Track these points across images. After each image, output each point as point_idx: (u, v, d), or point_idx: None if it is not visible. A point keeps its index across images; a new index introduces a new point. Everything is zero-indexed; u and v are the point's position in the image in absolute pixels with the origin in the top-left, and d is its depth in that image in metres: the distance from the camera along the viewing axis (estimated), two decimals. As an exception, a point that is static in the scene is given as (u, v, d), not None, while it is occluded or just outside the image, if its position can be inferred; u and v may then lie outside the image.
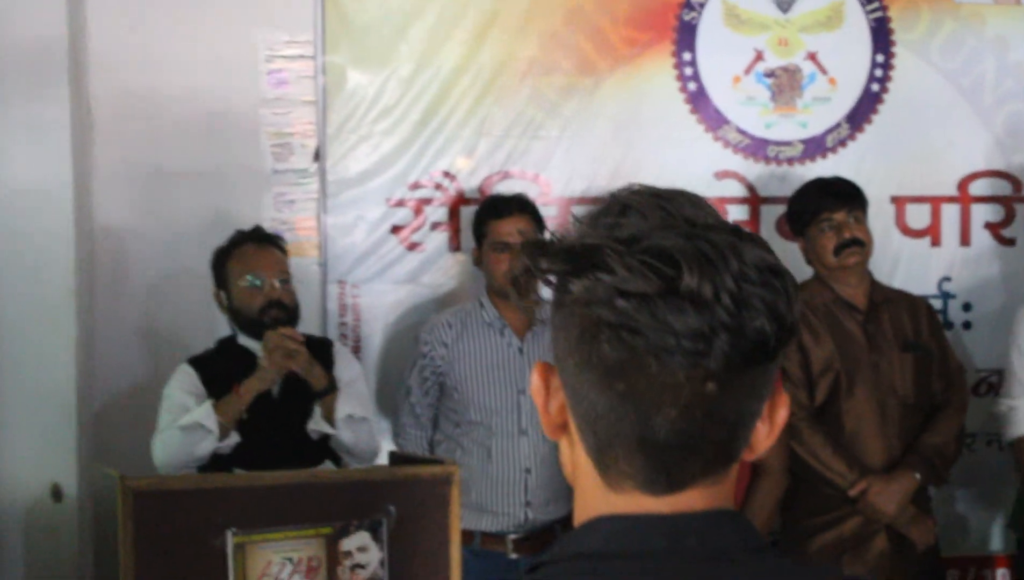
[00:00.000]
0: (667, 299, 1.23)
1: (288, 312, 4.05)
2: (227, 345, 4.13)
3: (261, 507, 3.39)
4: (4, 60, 4.23)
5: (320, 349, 4.13)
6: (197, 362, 4.05)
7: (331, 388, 3.99)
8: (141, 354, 4.57)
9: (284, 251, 4.16)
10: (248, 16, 4.61)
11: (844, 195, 4.42)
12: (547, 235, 1.35)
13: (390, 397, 4.64)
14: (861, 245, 4.38)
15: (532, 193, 4.72)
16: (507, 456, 4.32)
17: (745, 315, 1.24)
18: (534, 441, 4.31)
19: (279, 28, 4.64)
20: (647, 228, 1.28)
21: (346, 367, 4.18)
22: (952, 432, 4.41)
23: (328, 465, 3.91)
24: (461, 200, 4.74)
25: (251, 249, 4.08)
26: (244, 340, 4.07)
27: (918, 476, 4.28)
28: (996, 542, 5.15)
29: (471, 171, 4.76)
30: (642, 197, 1.34)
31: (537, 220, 4.41)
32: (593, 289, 1.25)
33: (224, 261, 4.08)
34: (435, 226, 4.74)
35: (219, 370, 4.01)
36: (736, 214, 4.91)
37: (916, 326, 4.47)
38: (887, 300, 4.48)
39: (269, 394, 3.97)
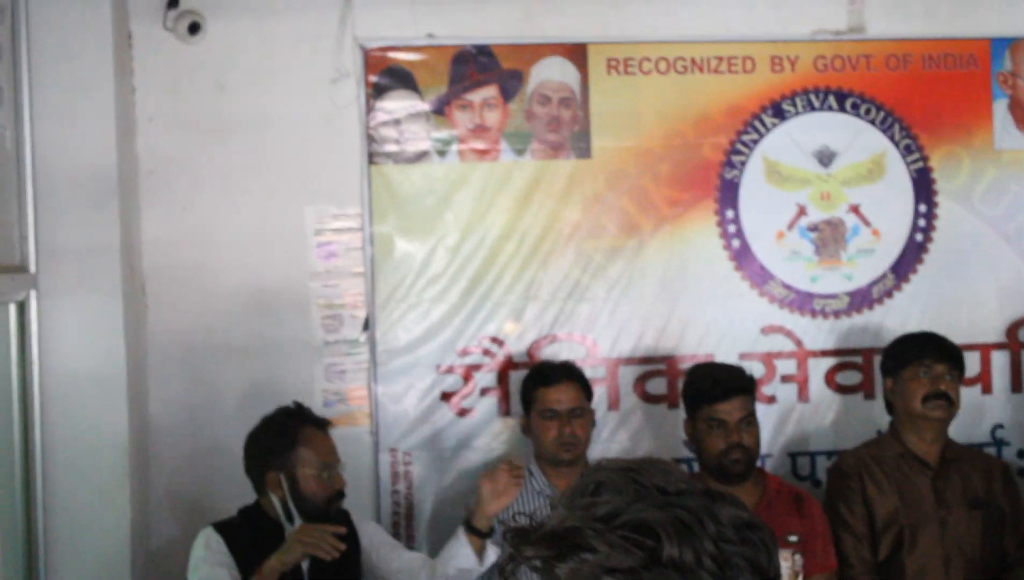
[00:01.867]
0: (652, 570, 1.27)
1: (343, 500, 4.06)
2: (251, 514, 4.06)
3: None
4: (55, 244, 4.28)
5: (340, 522, 4.08)
6: (222, 528, 3.99)
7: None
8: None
9: None
10: (297, 190, 4.70)
11: (950, 352, 4.49)
12: (525, 520, 1.39)
13: (444, 564, 4.64)
14: (950, 402, 4.41)
15: (579, 354, 4.77)
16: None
17: (728, 575, 1.28)
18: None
19: (327, 201, 4.72)
20: (623, 503, 1.32)
21: (371, 532, 4.18)
22: (1023, 590, 4.40)
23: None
24: (510, 365, 4.78)
25: (320, 436, 4.04)
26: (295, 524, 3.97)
27: (983, 633, 4.26)
28: None
29: (519, 335, 4.81)
30: (614, 473, 1.38)
31: (584, 387, 4.45)
32: (579, 570, 1.29)
33: (291, 444, 3.97)
34: (484, 391, 4.79)
35: (244, 538, 3.96)
36: (784, 369, 4.93)
37: (988, 485, 4.47)
38: (959, 458, 4.50)
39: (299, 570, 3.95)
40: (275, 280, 4.69)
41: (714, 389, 4.26)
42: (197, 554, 3.94)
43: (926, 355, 4.43)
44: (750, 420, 4.27)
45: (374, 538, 4.17)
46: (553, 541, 1.31)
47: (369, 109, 4.72)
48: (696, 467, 4.47)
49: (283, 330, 4.70)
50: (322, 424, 4.09)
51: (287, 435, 4.00)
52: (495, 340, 4.79)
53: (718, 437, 4.24)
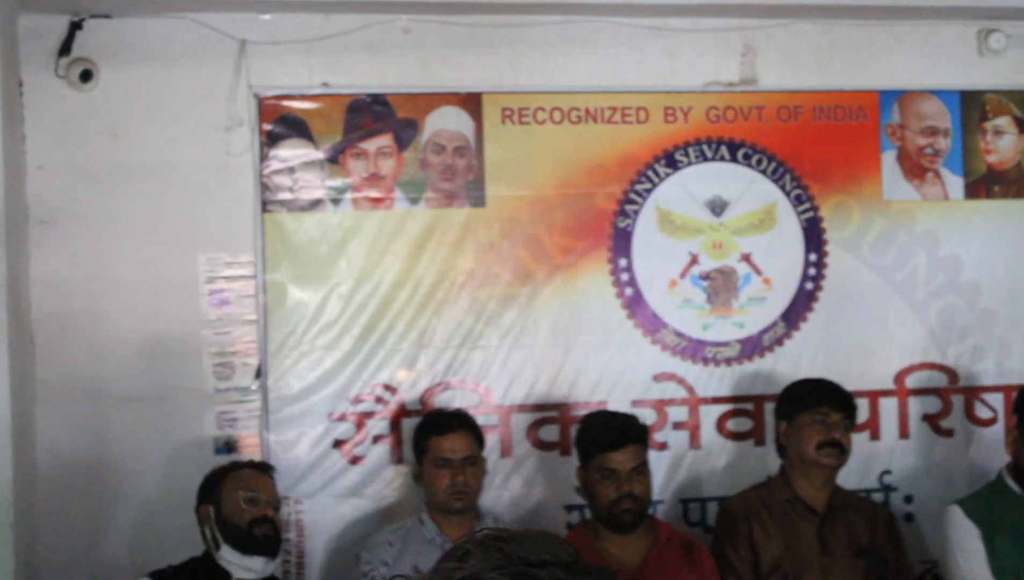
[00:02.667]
0: None
1: (277, 536, 4.08)
2: (196, 561, 4.09)
3: None
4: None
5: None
6: (158, 576, 4.03)
7: None
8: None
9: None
10: (189, 238, 4.69)
11: (845, 401, 4.54)
12: None
13: (335, 612, 4.67)
14: (843, 451, 4.47)
15: (472, 402, 4.80)
16: (450, 676, 4.32)
17: None
18: (477, 659, 4.32)
19: (220, 249, 4.71)
20: (480, 568, 1.37)
21: None
22: (905, 642, 4.46)
23: None
24: (403, 412, 4.80)
25: (250, 472, 4.13)
26: (227, 555, 4.02)
27: None
28: None
29: (412, 383, 4.83)
30: (484, 541, 1.42)
31: (477, 435, 4.47)
32: None
33: (220, 478, 4.10)
34: (377, 439, 4.80)
35: None
36: (676, 415, 4.98)
37: (873, 533, 4.52)
38: (846, 505, 4.55)
39: None
40: (167, 327, 4.67)
41: (606, 438, 4.29)
42: None
43: (823, 403, 4.49)
44: (642, 470, 4.30)
45: None
46: None
47: (263, 157, 4.72)
48: (588, 514, 4.50)
49: (175, 378, 4.69)
50: (260, 466, 4.17)
51: (221, 472, 4.12)
52: (388, 388, 4.80)
53: (609, 487, 4.26)
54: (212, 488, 4.09)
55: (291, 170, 4.74)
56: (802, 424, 4.49)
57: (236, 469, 4.14)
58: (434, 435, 4.43)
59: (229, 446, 4.70)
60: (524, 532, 1.43)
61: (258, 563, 4.03)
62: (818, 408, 4.48)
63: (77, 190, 4.63)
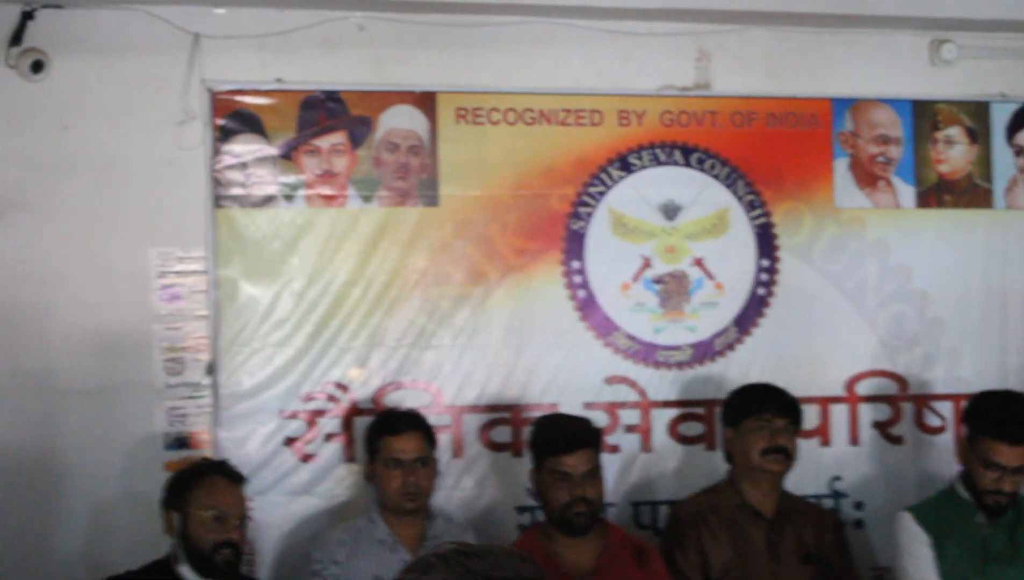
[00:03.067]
0: None
1: (238, 555, 4.05)
2: (156, 566, 4.06)
3: None
4: None
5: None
6: None
7: None
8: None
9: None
10: (141, 232, 4.66)
11: (791, 408, 4.56)
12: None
13: (283, 610, 4.63)
14: (788, 456, 4.47)
15: (424, 402, 4.78)
16: (399, 674, 4.29)
17: None
18: (426, 657, 4.29)
19: (172, 243, 4.68)
20: None
21: None
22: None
23: None
24: (354, 411, 4.77)
25: (223, 485, 4.07)
26: (186, 573, 4.00)
27: None
28: None
29: (364, 382, 4.80)
30: (449, 556, 1.42)
31: (429, 436, 4.46)
32: None
33: (189, 485, 4.03)
34: (328, 437, 4.77)
35: None
36: (628, 418, 4.98)
37: (821, 539, 4.53)
38: (795, 510, 4.56)
39: None
40: (117, 322, 4.63)
41: (560, 441, 4.27)
42: None
43: (767, 409, 4.50)
44: (595, 473, 4.29)
45: None
46: None
47: (216, 152, 4.70)
48: (540, 516, 4.48)
49: (124, 372, 4.64)
50: (231, 475, 4.10)
51: (189, 477, 4.05)
52: (340, 386, 4.78)
53: (562, 490, 4.24)
54: (181, 494, 4.03)
55: (244, 165, 4.72)
56: (747, 430, 4.50)
57: (208, 474, 4.07)
58: (386, 435, 4.40)
59: (180, 442, 4.65)
60: (487, 548, 1.45)
61: None
62: (762, 414, 4.48)
63: (27, 181, 4.59)
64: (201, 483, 4.03)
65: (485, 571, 1.39)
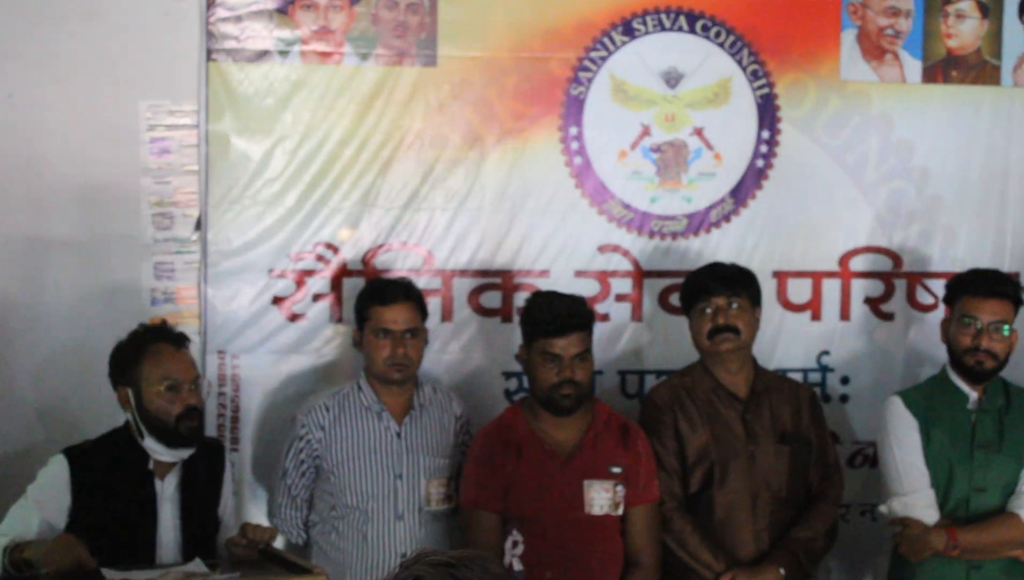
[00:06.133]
0: None
1: (201, 418, 4.04)
2: (114, 435, 4.03)
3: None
4: None
5: (211, 454, 4.15)
6: (73, 454, 3.93)
7: None
8: (24, 429, 4.55)
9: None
10: (131, 84, 4.56)
11: (727, 280, 4.48)
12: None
13: (266, 467, 4.64)
14: (736, 333, 4.43)
15: (415, 264, 4.74)
16: (383, 541, 4.34)
17: None
18: (411, 526, 4.36)
19: (162, 96, 4.60)
20: None
21: (230, 484, 4.24)
22: (823, 527, 4.49)
23: (198, 563, 3.87)
24: (344, 272, 4.73)
25: (167, 351, 3.98)
26: (152, 445, 3.95)
27: (783, 571, 4.35)
28: (865, 610, 5.26)
29: (354, 243, 4.75)
30: (432, 567, 1.39)
31: (420, 307, 4.44)
32: None
33: (135, 359, 3.95)
34: (317, 297, 4.73)
35: (100, 463, 3.93)
36: (619, 288, 4.95)
37: (796, 416, 4.53)
38: (769, 389, 4.55)
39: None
40: (105, 175, 4.57)
41: (551, 324, 4.24)
42: (33, 484, 3.92)
43: (705, 291, 4.44)
44: (585, 356, 4.27)
45: (226, 491, 4.20)
46: None
47: (210, 3, 4.56)
48: (526, 382, 4.47)
49: (112, 226, 4.60)
50: (175, 340, 4.03)
51: (133, 350, 3.97)
52: (330, 246, 4.73)
53: (551, 371, 4.23)
54: (128, 369, 3.95)
55: (238, 19, 4.60)
56: (695, 315, 4.48)
57: (151, 343, 3.98)
58: (377, 304, 4.37)
59: (166, 298, 4.62)
60: (465, 555, 1.42)
61: (183, 452, 3.98)
62: (702, 297, 4.44)
63: (14, 29, 4.47)
64: (146, 355, 3.94)
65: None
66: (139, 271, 4.63)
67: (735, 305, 4.43)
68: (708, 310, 4.42)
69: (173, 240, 4.64)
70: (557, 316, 4.23)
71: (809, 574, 4.51)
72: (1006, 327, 4.39)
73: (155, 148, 4.60)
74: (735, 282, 4.48)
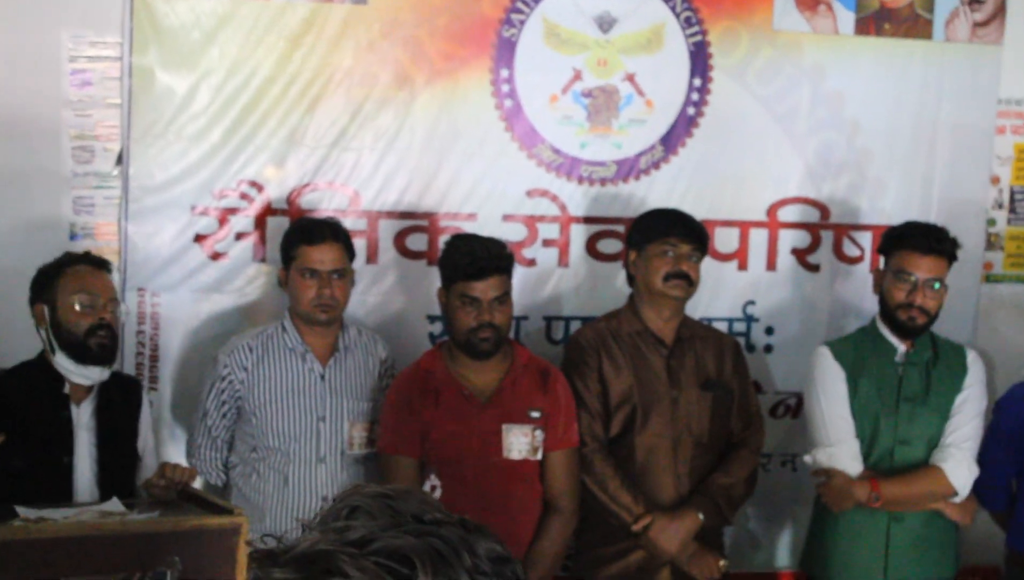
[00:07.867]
0: None
1: (113, 337, 3.99)
2: (31, 367, 4.01)
3: (39, 558, 3.35)
4: None
5: (128, 389, 4.14)
6: None
7: None
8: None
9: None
10: (52, 13, 4.46)
11: (697, 234, 4.48)
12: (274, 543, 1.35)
13: (186, 408, 4.59)
14: (690, 283, 4.43)
15: (341, 204, 4.69)
16: (304, 483, 4.31)
17: None
18: (332, 469, 4.32)
19: (85, 27, 4.49)
20: (378, 528, 1.29)
21: (148, 423, 4.22)
22: (743, 474, 4.51)
23: (116, 502, 3.83)
24: (268, 211, 4.67)
25: (86, 270, 3.99)
26: (63, 362, 3.94)
27: (702, 516, 4.37)
28: (783, 558, 5.29)
29: (280, 181, 4.68)
30: (369, 498, 1.36)
31: (348, 247, 4.37)
32: None
33: (54, 276, 3.96)
34: (240, 236, 4.67)
35: (13, 392, 3.93)
36: (547, 233, 4.92)
37: (720, 364, 4.54)
38: (694, 336, 4.55)
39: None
40: (23, 106, 4.46)
41: (470, 267, 4.19)
42: None
43: (672, 233, 4.43)
44: (504, 299, 4.24)
45: (144, 430, 4.19)
46: (303, 564, 1.27)
47: (135, -68, 4.47)
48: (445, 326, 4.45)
49: (31, 158, 4.51)
50: (97, 263, 4.03)
51: (54, 270, 3.98)
52: (254, 184, 4.66)
53: (469, 314, 4.20)
54: (46, 285, 3.97)
55: (164, -51, 4.49)
56: (651, 254, 4.44)
57: (72, 264, 4.00)
58: (303, 244, 4.31)
59: (85, 232, 4.54)
60: (402, 489, 1.37)
61: (94, 372, 3.96)
62: (666, 239, 4.41)
63: (-69, -48, 4.36)
64: (65, 273, 3.97)
65: (414, 512, 1.33)
66: (58, 205, 4.54)
67: (694, 257, 4.44)
68: (671, 253, 4.40)
69: (93, 174, 4.55)
70: (476, 259, 4.19)
71: (728, 520, 4.55)
72: (938, 284, 4.40)
73: (76, 80, 4.50)
74: (701, 235, 4.49)
